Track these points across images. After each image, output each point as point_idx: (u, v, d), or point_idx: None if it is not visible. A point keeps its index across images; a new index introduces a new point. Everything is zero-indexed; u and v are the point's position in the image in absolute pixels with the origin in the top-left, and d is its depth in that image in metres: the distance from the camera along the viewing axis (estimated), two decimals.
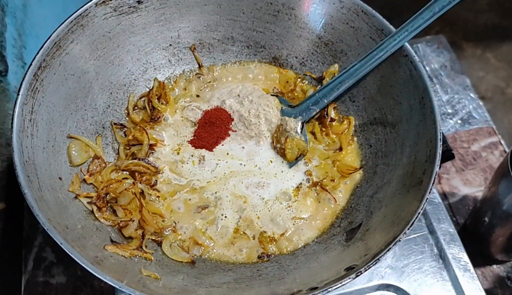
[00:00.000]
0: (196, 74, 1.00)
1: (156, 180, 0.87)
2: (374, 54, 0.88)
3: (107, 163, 0.87)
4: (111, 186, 0.81)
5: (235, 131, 0.93)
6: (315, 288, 0.66)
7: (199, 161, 0.90)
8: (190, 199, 0.86)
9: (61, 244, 0.66)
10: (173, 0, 0.94)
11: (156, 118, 0.93)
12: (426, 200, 0.71)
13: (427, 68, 1.28)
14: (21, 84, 0.76)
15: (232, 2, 0.96)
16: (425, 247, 0.92)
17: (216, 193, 0.87)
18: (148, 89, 0.96)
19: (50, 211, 0.71)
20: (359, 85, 0.93)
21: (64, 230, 0.70)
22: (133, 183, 0.84)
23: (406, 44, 0.85)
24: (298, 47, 0.99)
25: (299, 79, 0.99)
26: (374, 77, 0.91)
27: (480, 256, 0.98)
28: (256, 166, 0.90)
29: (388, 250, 0.67)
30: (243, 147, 0.92)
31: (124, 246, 0.76)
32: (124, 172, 0.86)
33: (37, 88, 0.78)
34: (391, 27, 0.88)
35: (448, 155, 0.93)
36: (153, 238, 0.81)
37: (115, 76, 0.92)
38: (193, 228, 0.83)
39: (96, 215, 0.79)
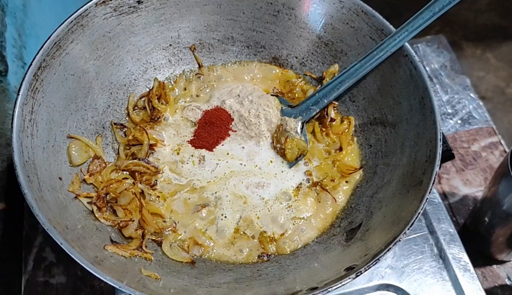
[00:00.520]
0: (196, 74, 1.00)
1: (156, 180, 0.87)
2: (374, 54, 0.88)
3: (107, 163, 0.87)
4: (111, 186, 0.81)
5: (235, 131, 0.93)
6: (315, 288, 0.66)
7: (199, 161, 0.90)
8: (190, 199, 0.86)
9: (61, 244, 0.66)
10: (173, 0, 0.94)
11: (156, 118, 0.93)
12: (426, 200, 0.71)
13: (427, 68, 1.28)
14: (21, 84, 0.76)
15: (232, 2, 0.96)
16: (425, 247, 0.92)
17: (216, 193, 0.87)
18: (148, 89, 0.96)
19: (50, 211, 0.71)
20: (359, 85, 0.93)
21: (64, 230, 0.70)
22: (133, 183, 0.84)
23: (406, 44, 0.85)
24: (298, 47, 0.99)
25: (299, 79, 0.99)
26: (374, 77, 0.91)
27: (480, 256, 0.98)
28: (256, 166, 0.90)
29: (388, 250, 0.67)
30: (243, 147, 0.92)
31: (124, 246, 0.76)
32: (124, 172, 0.86)
33: (37, 88, 0.78)
34: (391, 27, 0.88)
35: (448, 155, 0.93)
36: (153, 238, 0.81)
37: (115, 76, 0.92)
38: (193, 228, 0.83)
39: (96, 215, 0.79)
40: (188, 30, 0.98)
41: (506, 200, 0.85)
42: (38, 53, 0.79)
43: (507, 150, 1.12)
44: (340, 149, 0.91)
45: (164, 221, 0.84)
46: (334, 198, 0.87)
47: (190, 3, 0.95)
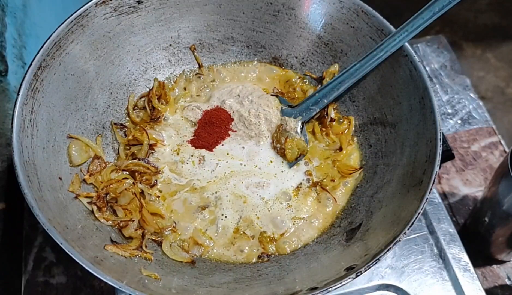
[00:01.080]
0: (196, 74, 1.00)
1: (156, 180, 0.87)
2: (374, 54, 0.88)
3: (107, 163, 0.87)
4: (111, 186, 0.81)
5: (235, 131, 0.93)
6: (315, 288, 0.66)
7: (199, 161, 0.90)
8: (190, 199, 0.86)
9: (61, 244, 0.66)
10: (173, 0, 0.94)
11: (156, 118, 0.93)
12: (426, 200, 0.71)
13: (427, 68, 1.28)
14: (21, 84, 0.76)
15: (232, 2, 0.96)
16: (425, 247, 0.92)
17: (216, 192, 0.87)
18: (148, 89, 0.96)
19: (50, 211, 0.71)
20: (359, 85, 0.93)
21: (64, 230, 0.70)
22: (133, 183, 0.84)
23: (406, 44, 0.85)
24: (298, 47, 0.99)
25: (299, 79, 0.99)
26: (374, 77, 0.91)
27: (480, 256, 0.98)
28: (256, 166, 0.90)
29: (388, 250, 0.67)
30: (243, 147, 0.92)
31: (124, 246, 0.76)
32: (124, 172, 0.86)
33: (37, 88, 0.78)
34: (391, 27, 0.88)
35: (448, 155, 0.93)
36: (153, 238, 0.81)
37: (115, 76, 0.92)
38: (193, 228, 0.83)
39: (96, 215, 0.79)
40: (188, 30, 0.98)
41: (506, 200, 0.85)
42: (38, 53, 0.79)
43: (507, 150, 1.12)
44: (340, 149, 0.91)
45: (164, 221, 0.84)
46: (334, 198, 0.87)
47: (190, 3, 0.95)
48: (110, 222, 0.79)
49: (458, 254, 0.91)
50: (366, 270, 0.66)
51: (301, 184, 0.89)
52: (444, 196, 1.08)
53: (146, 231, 0.81)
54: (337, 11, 0.93)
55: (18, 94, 0.75)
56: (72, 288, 0.94)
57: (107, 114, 0.91)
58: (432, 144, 0.77)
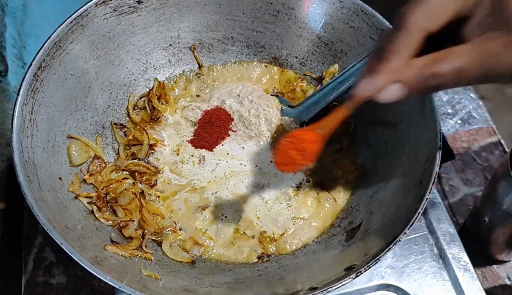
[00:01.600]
0: (196, 74, 1.00)
1: (156, 180, 0.87)
2: None
3: (107, 163, 0.87)
4: (111, 186, 0.81)
5: (235, 131, 0.93)
6: (315, 288, 0.66)
7: (199, 161, 0.90)
8: (190, 199, 0.86)
9: (61, 244, 0.66)
10: (173, 0, 0.94)
11: (156, 118, 0.93)
12: (426, 200, 0.71)
13: None
14: (21, 84, 0.76)
15: (232, 2, 0.96)
16: (425, 247, 0.92)
17: (216, 192, 0.87)
18: (148, 89, 0.96)
19: (50, 211, 0.71)
20: None
21: (64, 230, 0.70)
22: (133, 183, 0.84)
23: None
24: (298, 47, 0.99)
25: (299, 79, 0.99)
26: None
27: (480, 256, 0.98)
28: (256, 166, 0.90)
29: (388, 250, 0.67)
30: (243, 147, 0.92)
31: (124, 246, 0.77)
32: (124, 172, 0.86)
33: (37, 88, 0.78)
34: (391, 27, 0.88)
35: (448, 155, 0.93)
36: (153, 238, 0.81)
37: (115, 76, 0.92)
38: (193, 228, 0.83)
39: (96, 215, 0.79)
40: (188, 30, 0.98)
41: (506, 200, 0.85)
42: (38, 53, 0.79)
43: (507, 150, 1.12)
44: (340, 149, 0.91)
45: (164, 221, 0.84)
46: (334, 198, 0.87)
47: (190, 3, 0.95)
48: (110, 222, 0.80)
49: (458, 254, 0.91)
50: (366, 270, 0.66)
51: (301, 184, 0.89)
52: (444, 196, 1.08)
53: (146, 231, 0.81)
54: (337, 11, 0.93)
55: (18, 94, 0.75)
56: (72, 288, 0.94)
57: (107, 114, 0.91)
58: (432, 144, 0.77)
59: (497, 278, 0.99)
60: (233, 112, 0.93)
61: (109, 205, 0.82)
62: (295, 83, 0.98)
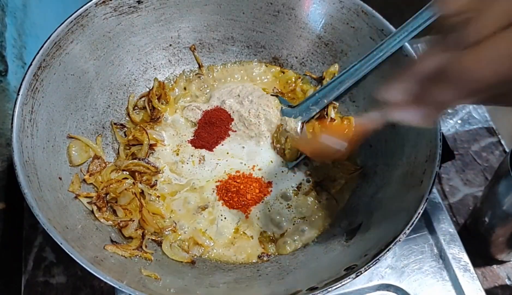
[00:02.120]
0: (196, 74, 1.00)
1: (156, 180, 0.87)
2: (374, 54, 0.88)
3: (107, 163, 0.87)
4: (111, 186, 0.81)
5: (235, 131, 0.93)
6: (315, 288, 0.66)
7: (199, 160, 0.90)
8: (190, 199, 0.86)
9: (61, 244, 0.66)
10: (173, 0, 0.93)
11: (156, 118, 0.93)
12: (426, 200, 0.71)
13: None
14: (21, 84, 0.76)
15: (232, 2, 0.96)
16: (425, 247, 0.92)
17: (216, 192, 0.87)
18: (148, 89, 0.96)
19: (50, 211, 0.71)
20: (359, 85, 0.93)
21: (64, 230, 0.70)
22: (133, 183, 0.84)
23: (406, 44, 0.85)
24: (298, 47, 0.99)
25: (299, 79, 0.99)
26: (374, 77, 0.90)
27: (480, 256, 0.98)
28: (256, 165, 0.90)
29: (388, 250, 0.67)
30: (243, 147, 0.92)
31: (124, 246, 0.76)
32: (124, 172, 0.86)
33: (37, 88, 0.78)
34: (391, 27, 0.88)
35: (448, 155, 0.93)
36: (153, 238, 0.81)
37: (115, 76, 0.92)
38: (193, 228, 0.83)
39: (96, 215, 0.79)
40: (188, 30, 0.98)
41: (506, 200, 0.85)
42: (38, 53, 0.79)
43: (507, 150, 1.12)
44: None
45: (164, 221, 0.84)
46: (334, 198, 0.87)
47: (190, 3, 0.95)
48: (110, 222, 0.80)
49: (458, 254, 0.91)
50: (366, 270, 0.66)
51: (301, 184, 0.89)
52: (444, 196, 1.08)
53: (146, 231, 0.81)
54: (337, 11, 0.93)
55: (18, 94, 0.75)
56: (72, 288, 0.94)
57: (107, 114, 0.91)
58: (432, 144, 0.77)
59: (497, 278, 0.99)
60: (233, 112, 0.93)
61: (109, 205, 0.82)
62: (295, 83, 0.98)
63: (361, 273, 0.66)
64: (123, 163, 0.85)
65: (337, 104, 0.95)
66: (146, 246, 0.79)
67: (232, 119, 0.93)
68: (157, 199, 0.86)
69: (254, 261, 0.82)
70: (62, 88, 0.83)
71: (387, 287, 0.88)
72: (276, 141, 0.91)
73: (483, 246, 0.98)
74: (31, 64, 0.78)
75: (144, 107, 0.94)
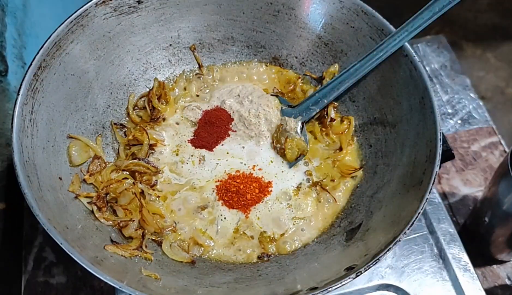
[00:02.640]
0: (196, 74, 1.00)
1: (156, 180, 0.87)
2: (374, 54, 0.88)
3: (107, 163, 0.87)
4: (111, 186, 0.81)
5: (235, 131, 0.93)
6: (315, 288, 0.66)
7: (199, 160, 0.90)
8: (190, 199, 0.86)
9: (61, 244, 0.66)
10: (173, 0, 0.94)
11: (156, 118, 0.93)
12: (426, 200, 0.71)
13: (427, 68, 1.28)
14: (21, 84, 0.76)
15: (232, 2, 0.96)
16: (425, 247, 0.92)
17: (215, 192, 0.87)
18: (148, 89, 0.96)
19: (50, 211, 0.71)
20: (359, 85, 0.93)
21: (64, 230, 0.70)
22: (133, 183, 0.84)
23: (406, 44, 0.85)
24: (298, 47, 0.99)
25: (299, 79, 0.99)
26: (374, 77, 0.91)
27: (480, 256, 0.98)
28: (256, 165, 0.90)
29: (388, 250, 0.67)
30: (243, 147, 0.92)
31: (124, 246, 0.76)
32: (124, 172, 0.86)
33: (37, 88, 0.78)
34: (391, 27, 0.88)
35: (448, 155, 0.93)
36: (153, 238, 0.81)
37: (115, 76, 0.92)
38: (193, 228, 0.83)
39: (96, 215, 0.79)
40: (188, 30, 0.98)
41: (506, 200, 0.85)
42: (38, 53, 0.79)
43: (507, 150, 1.12)
44: (340, 149, 0.91)
45: (164, 221, 0.84)
46: (334, 198, 0.87)
47: (190, 3, 0.95)
48: (110, 222, 0.80)
49: (458, 254, 0.91)
50: (366, 270, 0.66)
51: (301, 184, 0.89)
52: (444, 196, 1.08)
53: (146, 231, 0.81)
54: (337, 11, 0.93)
55: (18, 94, 0.75)
56: (72, 288, 0.94)
57: (107, 114, 0.91)
58: (432, 144, 0.77)
59: (497, 278, 0.99)
60: (233, 112, 0.93)
61: (109, 205, 0.82)
62: (295, 83, 0.98)
63: (361, 273, 0.66)
64: (123, 163, 0.85)
65: (337, 104, 0.95)
66: (146, 246, 0.79)
67: (232, 119, 0.93)
68: (157, 199, 0.86)
69: (254, 261, 0.82)
70: (62, 88, 0.83)
71: (387, 287, 0.88)
72: (276, 142, 0.91)
73: (483, 246, 0.98)
74: (31, 64, 0.78)
75: (144, 107, 0.94)
